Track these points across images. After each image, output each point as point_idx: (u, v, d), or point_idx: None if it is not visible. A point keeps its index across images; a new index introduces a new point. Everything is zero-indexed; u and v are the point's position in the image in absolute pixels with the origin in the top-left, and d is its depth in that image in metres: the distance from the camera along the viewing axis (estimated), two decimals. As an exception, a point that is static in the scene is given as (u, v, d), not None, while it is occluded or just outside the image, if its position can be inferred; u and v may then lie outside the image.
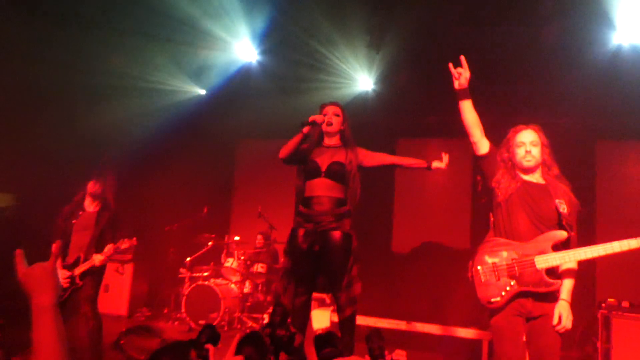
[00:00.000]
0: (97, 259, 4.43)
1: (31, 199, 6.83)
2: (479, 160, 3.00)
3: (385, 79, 7.08)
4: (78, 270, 4.45)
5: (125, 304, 7.04)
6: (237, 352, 1.93)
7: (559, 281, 2.76)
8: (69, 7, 5.88)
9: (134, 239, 4.53)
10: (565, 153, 6.57)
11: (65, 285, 4.49)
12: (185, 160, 8.23)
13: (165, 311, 6.99)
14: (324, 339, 2.29)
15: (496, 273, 2.75)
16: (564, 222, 2.77)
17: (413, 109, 7.27)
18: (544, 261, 2.70)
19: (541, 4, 5.21)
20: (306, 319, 4.07)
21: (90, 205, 4.69)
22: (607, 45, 5.58)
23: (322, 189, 3.86)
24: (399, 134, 7.91)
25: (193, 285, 6.51)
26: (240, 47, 6.72)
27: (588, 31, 5.52)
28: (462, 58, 2.99)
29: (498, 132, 3.18)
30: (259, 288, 6.90)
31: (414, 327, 5.62)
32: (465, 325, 5.21)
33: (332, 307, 5.45)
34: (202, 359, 1.80)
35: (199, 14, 5.93)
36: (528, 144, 2.89)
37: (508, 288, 2.72)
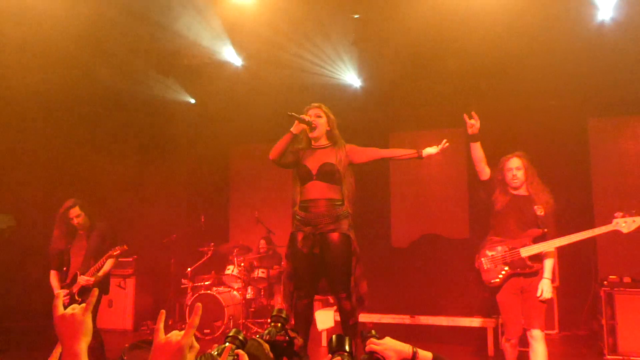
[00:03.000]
0: (82, 280, 4.54)
1: (30, 220, 6.83)
2: (482, 183, 4.07)
3: (373, 74, 7.07)
4: (76, 288, 4.58)
5: (130, 318, 7.03)
6: None
7: (539, 264, 3.84)
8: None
9: (124, 245, 4.59)
10: (558, 133, 6.70)
11: (65, 303, 4.51)
12: (179, 170, 8.23)
13: (170, 322, 6.99)
14: (337, 342, 2.27)
15: (494, 262, 3.91)
16: (539, 223, 3.87)
17: (404, 102, 7.27)
18: (526, 251, 3.82)
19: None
20: (309, 321, 4.10)
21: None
22: (590, 23, 5.57)
23: (316, 191, 3.88)
24: (391, 128, 7.91)
25: (196, 295, 6.51)
26: (226, 54, 6.70)
27: (570, 12, 5.51)
28: (474, 113, 4.04)
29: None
30: (262, 293, 6.91)
31: (418, 321, 5.63)
32: (470, 314, 5.21)
33: (335, 307, 5.44)
34: None
35: (184, 22, 5.92)
36: (514, 169, 3.95)
37: (503, 272, 3.87)
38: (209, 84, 7.37)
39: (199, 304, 1.46)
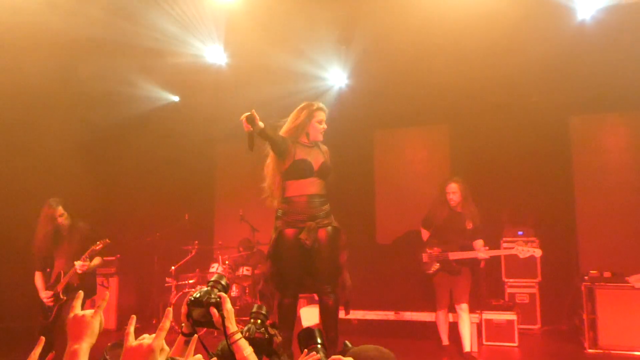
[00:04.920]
0: (77, 264, 4.51)
1: (7, 220, 6.72)
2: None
3: (358, 72, 7.07)
4: (60, 286, 4.54)
5: (114, 317, 6.97)
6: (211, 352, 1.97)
7: (463, 267, 5.08)
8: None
9: (107, 239, 4.57)
10: (539, 131, 6.76)
11: (51, 304, 4.54)
12: (163, 168, 8.16)
13: (155, 322, 6.93)
14: (307, 335, 2.28)
15: (430, 258, 5.20)
16: (468, 234, 5.12)
17: (388, 100, 7.28)
18: (452, 255, 5.07)
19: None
20: (294, 319, 4.10)
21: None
22: (570, 21, 5.62)
23: (314, 187, 3.93)
24: (376, 125, 7.92)
25: (180, 294, 6.47)
26: (211, 52, 6.65)
27: (551, 10, 5.55)
28: None
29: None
30: (247, 291, 6.88)
31: (402, 317, 5.67)
32: (453, 310, 5.26)
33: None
34: (216, 306, 1.89)
35: (168, 20, 5.86)
36: (451, 192, 5.17)
37: (435, 267, 5.16)
38: (194, 82, 7.31)
39: (169, 309, 1.48)
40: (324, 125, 4.03)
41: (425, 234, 5.39)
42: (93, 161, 7.28)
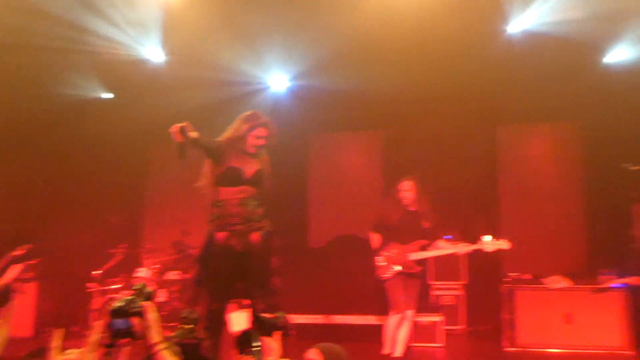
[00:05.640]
0: None
1: None
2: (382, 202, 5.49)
3: (297, 76, 7.08)
4: None
5: (31, 324, 6.59)
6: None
7: (421, 268, 4.92)
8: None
9: (30, 244, 4.31)
10: (467, 139, 7.05)
11: None
12: (91, 167, 7.80)
13: (77, 329, 6.60)
14: (244, 339, 2.27)
15: (388, 260, 4.86)
16: (425, 234, 4.89)
17: (325, 104, 7.34)
18: (413, 255, 4.83)
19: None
20: (223, 324, 4.03)
21: None
22: (501, 34, 5.88)
23: (243, 192, 3.87)
24: (312, 129, 7.96)
25: (105, 299, 6.19)
26: (149, 48, 6.43)
27: (483, 22, 5.80)
28: None
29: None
30: (175, 295, 6.69)
31: (332, 320, 5.72)
32: (381, 313, 5.35)
33: (249, 309, 5.38)
34: (139, 315, 1.86)
35: (104, 15, 5.64)
36: (404, 191, 4.93)
37: (394, 269, 4.82)
38: (129, 79, 7.05)
39: (99, 322, 1.43)
40: (262, 141, 3.98)
41: (375, 239, 5.03)
42: (18, 160, 6.86)
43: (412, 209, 4.94)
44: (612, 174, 6.20)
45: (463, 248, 4.94)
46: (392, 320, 4.91)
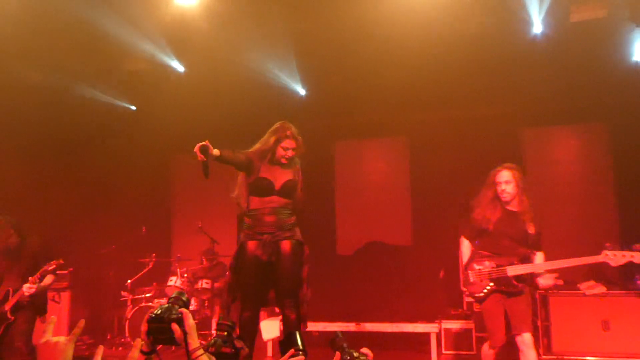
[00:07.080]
0: (25, 287, 4.28)
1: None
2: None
3: (317, 84, 7.11)
4: (8, 305, 4.35)
5: (65, 333, 6.66)
6: None
7: (523, 285, 3.80)
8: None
9: (60, 259, 4.38)
10: (492, 143, 6.97)
11: None
12: (119, 179, 7.95)
13: (109, 337, 6.71)
14: (287, 342, 2.30)
15: (480, 276, 3.88)
16: (530, 242, 3.83)
17: (348, 111, 7.35)
18: (512, 270, 3.77)
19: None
20: (255, 332, 4.07)
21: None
22: (524, 36, 5.83)
23: (273, 202, 3.92)
24: (336, 136, 7.97)
25: (136, 308, 6.28)
26: (170, 59, 6.55)
27: (506, 25, 5.76)
28: None
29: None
30: (205, 304, 6.74)
31: (363, 328, 5.68)
32: (413, 320, 5.31)
33: (280, 317, 5.40)
34: (178, 323, 1.82)
35: (126, 26, 5.75)
36: (503, 183, 3.85)
37: (488, 288, 3.84)
38: (151, 90, 7.18)
39: (139, 339, 1.46)
40: (290, 152, 4.00)
41: (466, 247, 4.09)
42: (44, 171, 7.01)
43: (511, 208, 3.89)
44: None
45: (581, 260, 3.82)
46: (485, 350, 3.98)
